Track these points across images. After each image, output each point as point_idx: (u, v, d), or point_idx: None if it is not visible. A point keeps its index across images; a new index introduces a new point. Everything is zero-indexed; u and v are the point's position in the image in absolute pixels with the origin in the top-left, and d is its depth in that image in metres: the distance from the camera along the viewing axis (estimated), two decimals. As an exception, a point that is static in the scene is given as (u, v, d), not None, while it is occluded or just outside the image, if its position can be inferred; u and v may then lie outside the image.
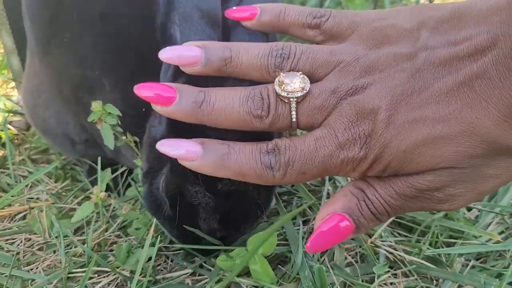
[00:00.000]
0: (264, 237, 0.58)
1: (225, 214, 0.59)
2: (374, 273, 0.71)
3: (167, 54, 0.49)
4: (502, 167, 0.42)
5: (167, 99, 0.47)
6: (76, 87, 0.74)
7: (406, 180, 0.44)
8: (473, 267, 0.73)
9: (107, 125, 0.67)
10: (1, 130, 1.03)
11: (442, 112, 0.40)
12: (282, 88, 0.45)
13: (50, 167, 0.80)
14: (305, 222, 0.79)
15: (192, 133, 0.51)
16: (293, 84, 0.45)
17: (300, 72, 0.47)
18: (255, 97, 0.46)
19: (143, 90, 0.49)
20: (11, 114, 1.09)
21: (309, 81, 0.46)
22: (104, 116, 0.66)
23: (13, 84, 1.21)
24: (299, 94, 0.45)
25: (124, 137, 0.69)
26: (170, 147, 0.48)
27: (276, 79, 0.46)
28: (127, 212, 0.77)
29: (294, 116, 0.46)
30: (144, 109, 0.64)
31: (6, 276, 0.69)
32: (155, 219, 0.65)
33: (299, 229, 0.76)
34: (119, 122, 0.68)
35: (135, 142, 0.70)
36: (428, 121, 0.41)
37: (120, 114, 0.66)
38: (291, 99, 0.45)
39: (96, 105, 0.66)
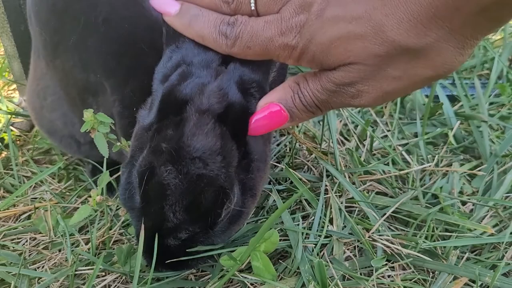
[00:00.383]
0: (263, 231, 0.60)
1: (192, 202, 0.57)
2: (372, 266, 0.73)
3: None
4: (402, 69, 0.47)
5: None
6: (81, 90, 0.77)
7: (327, 76, 0.51)
8: (468, 259, 0.75)
9: (100, 134, 0.68)
10: (4, 132, 1.05)
11: (359, 10, 0.45)
12: None
13: (53, 167, 0.81)
14: (304, 218, 0.81)
15: (177, 115, 0.55)
16: None
17: None
18: None
19: None
20: (13, 116, 1.10)
21: None
22: (96, 125, 0.68)
23: (14, 86, 1.22)
24: None
25: (119, 143, 0.70)
26: (158, 2, 0.57)
27: None
28: (124, 214, 0.79)
29: (252, 4, 0.52)
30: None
31: (14, 275, 0.71)
32: None
33: (298, 224, 0.78)
34: (118, 124, 0.70)
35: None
36: (347, 18, 0.46)
37: (112, 121, 0.68)
38: None
39: (87, 115, 0.67)
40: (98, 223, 0.81)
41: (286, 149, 1.00)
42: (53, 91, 0.85)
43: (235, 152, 0.58)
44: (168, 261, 0.61)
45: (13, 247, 0.79)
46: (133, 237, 0.76)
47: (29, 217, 0.87)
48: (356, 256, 0.76)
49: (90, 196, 0.87)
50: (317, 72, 0.53)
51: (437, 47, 0.45)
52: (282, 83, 0.57)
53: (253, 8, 0.53)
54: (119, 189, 0.65)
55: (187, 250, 0.61)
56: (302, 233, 0.73)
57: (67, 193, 0.93)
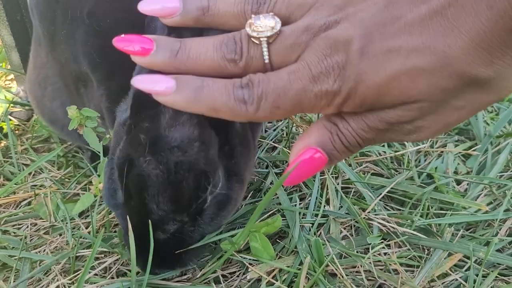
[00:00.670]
0: (259, 208, 0.61)
1: (175, 191, 0.56)
2: (368, 244, 0.74)
3: (147, 7, 0.49)
4: (468, 99, 0.42)
5: (144, 50, 0.47)
6: (75, 80, 0.78)
7: (377, 114, 0.44)
8: (462, 236, 0.76)
9: (89, 129, 0.69)
10: (3, 121, 1.05)
11: (416, 41, 0.40)
12: (252, 29, 0.45)
13: (52, 153, 0.82)
14: (301, 200, 0.83)
15: (152, 109, 0.54)
16: (263, 23, 0.44)
17: (272, 13, 0.46)
18: (228, 42, 0.46)
19: (121, 43, 0.50)
20: (12, 105, 1.11)
21: (280, 21, 0.45)
22: (83, 120, 0.68)
23: (11, 76, 1.23)
24: (269, 33, 0.44)
25: (108, 136, 0.70)
26: (144, 82, 0.48)
27: (247, 22, 0.46)
28: None
29: (266, 56, 0.45)
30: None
31: (15, 258, 0.72)
32: None
33: (296, 205, 0.79)
34: (107, 119, 0.70)
35: None
36: (402, 52, 0.40)
37: (99, 114, 0.68)
38: (262, 39, 0.44)
39: (72, 112, 0.68)
40: (98, 208, 0.82)
41: (283, 133, 1.01)
42: (53, 81, 0.86)
43: (214, 138, 0.57)
44: (160, 259, 0.60)
45: (14, 233, 0.80)
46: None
47: (29, 204, 0.88)
48: (352, 235, 0.77)
49: (90, 183, 0.89)
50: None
51: (504, 73, 0.41)
52: (313, 125, 0.50)
53: (266, 61, 0.45)
54: (103, 189, 0.64)
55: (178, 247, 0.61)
56: (300, 212, 0.74)
57: (67, 180, 0.94)
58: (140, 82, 0.48)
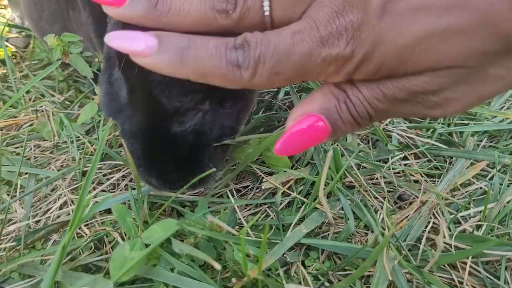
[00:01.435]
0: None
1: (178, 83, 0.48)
2: (386, 156, 0.71)
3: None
4: (509, 67, 0.36)
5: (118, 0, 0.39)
6: (66, 2, 0.73)
7: (398, 81, 0.37)
8: (485, 147, 0.73)
9: (75, 55, 0.64)
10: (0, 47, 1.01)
11: None
12: None
13: (50, 68, 0.77)
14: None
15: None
16: None
17: None
18: None
19: None
20: (7, 31, 1.06)
21: None
22: (66, 47, 0.63)
23: (4, 2, 1.17)
24: None
25: (97, 60, 0.65)
26: (121, 40, 0.39)
27: None
28: None
29: (266, 7, 0.37)
30: None
31: (22, 177, 0.70)
32: None
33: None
34: (97, 46, 0.65)
35: None
36: (434, 9, 0.33)
37: (80, 38, 0.63)
38: None
39: (51, 40, 0.62)
40: (103, 127, 0.78)
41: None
42: (49, 4, 0.81)
43: None
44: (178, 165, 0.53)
45: (18, 154, 0.77)
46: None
47: (31, 126, 0.85)
48: (370, 148, 0.74)
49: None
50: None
51: None
52: (318, 89, 0.42)
53: (267, 13, 0.37)
54: (101, 100, 0.57)
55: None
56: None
57: (68, 103, 0.90)
58: (114, 39, 0.39)
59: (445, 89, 0.36)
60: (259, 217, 0.63)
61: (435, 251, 0.56)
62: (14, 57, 1.06)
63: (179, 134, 0.51)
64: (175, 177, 0.54)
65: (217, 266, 0.45)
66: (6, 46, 1.02)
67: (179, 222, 0.52)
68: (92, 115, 0.71)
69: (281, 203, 0.64)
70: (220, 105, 0.54)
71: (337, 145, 0.72)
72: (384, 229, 0.60)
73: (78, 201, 0.49)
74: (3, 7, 1.21)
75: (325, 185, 0.63)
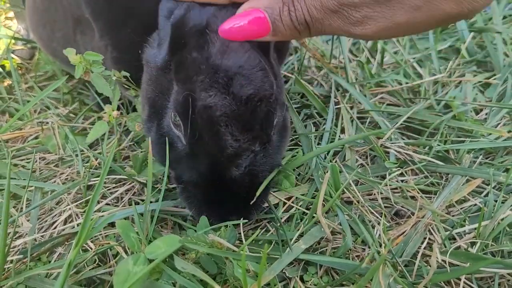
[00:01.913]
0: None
1: (249, 118, 0.53)
2: (384, 172, 0.72)
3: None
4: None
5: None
6: (75, 24, 0.75)
7: None
8: (481, 163, 0.74)
9: (97, 75, 0.65)
10: (5, 59, 1.02)
11: None
12: None
13: (57, 83, 0.78)
14: (316, 128, 0.81)
15: (197, 41, 0.52)
16: None
17: None
18: None
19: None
20: (13, 43, 1.07)
21: None
22: (89, 66, 0.65)
23: (11, 14, 1.19)
24: None
25: (114, 77, 0.67)
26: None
27: None
28: (140, 129, 0.78)
29: None
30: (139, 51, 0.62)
31: (28, 190, 0.71)
32: None
33: (311, 137, 0.77)
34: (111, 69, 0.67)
35: (124, 77, 0.68)
36: None
37: (102, 57, 0.65)
38: None
39: (74, 58, 0.64)
40: (107, 140, 0.80)
41: (294, 67, 0.98)
42: (61, 26, 0.82)
43: (267, 63, 0.55)
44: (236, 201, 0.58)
45: (23, 166, 0.79)
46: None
47: (36, 139, 0.86)
48: (368, 164, 0.76)
49: (99, 118, 0.86)
50: None
51: None
52: None
53: None
54: (152, 147, 0.60)
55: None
56: (315, 140, 0.72)
57: (72, 115, 0.92)
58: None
59: (365, 6, 0.43)
60: (259, 232, 0.65)
61: (430, 267, 0.58)
62: (19, 68, 1.08)
63: (237, 178, 0.56)
64: (236, 219, 0.59)
65: (217, 287, 0.47)
66: (12, 58, 1.04)
67: (182, 240, 0.53)
68: (101, 134, 0.72)
69: (281, 218, 0.66)
70: (268, 143, 0.58)
71: (336, 161, 0.73)
72: (381, 245, 0.61)
73: (84, 218, 0.50)
74: (9, 19, 1.22)
75: (324, 202, 0.65)
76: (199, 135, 0.54)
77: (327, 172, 0.70)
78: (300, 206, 0.67)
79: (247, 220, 0.59)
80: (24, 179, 0.74)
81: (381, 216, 0.66)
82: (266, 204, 0.63)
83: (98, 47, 0.70)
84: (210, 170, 0.55)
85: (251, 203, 0.58)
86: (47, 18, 0.84)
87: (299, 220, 0.66)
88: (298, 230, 0.62)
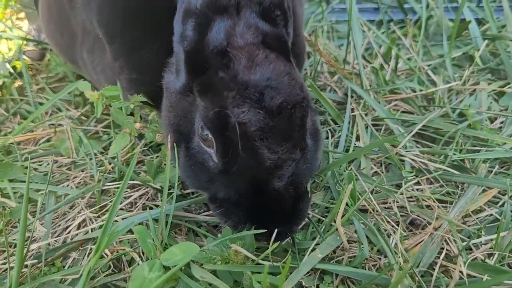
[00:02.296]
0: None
1: (283, 130, 0.52)
2: (399, 181, 0.72)
3: None
4: None
5: None
6: (80, 44, 0.75)
7: None
8: (496, 173, 0.74)
9: (116, 110, 0.64)
10: (17, 60, 1.02)
11: None
12: None
13: (71, 86, 0.77)
14: (331, 135, 0.80)
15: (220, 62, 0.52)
16: None
17: None
18: None
19: None
20: (24, 44, 1.07)
21: None
22: (108, 101, 0.64)
23: (22, 14, 1.18)
24: None
25: (132, 106, 0.66)
26: None
27: None
28: (161, 139, 0.76)
29: None
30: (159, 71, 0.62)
31: (41, 193, 0.71)
32: None
33: (327, 144, 0.77)
34: (126, 92, 0.67)
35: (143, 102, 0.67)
36: None
37: (120, 91, 0.65)
38: None
39: (91, 95, 0.64)
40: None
41: (306, 73, 0.97)
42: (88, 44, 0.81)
43: (294, 69, 0.55)
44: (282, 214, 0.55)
45: (36, 169, 0.79)
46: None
47: (48, 141, 0.86)
48: (383, 172, 0.75)
49: (117, 127, 0.85)
50: None
51: None
52: None
53: None
54: (181, 171, 0.59)
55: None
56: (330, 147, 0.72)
57: (84, 118, 0.92)
58: None
59: None
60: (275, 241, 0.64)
61: (448, 278, 0.58)
62: (30, 69, 1.07)
63: (281, 190, 0.54)
64: (284, 232, 0.56)
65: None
66: (23, 59, 1.03)
67: (201, 251, 0.53)
68: (124, 146, 0.71)
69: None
70: (306, 149, 0.56)
71: (351, 169, 0.73)
72: (397, 253, 0.61)
73: (104, 225, 0.50)
74: (20, 20, 1.22)
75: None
76: (234, 151, 0.52)
77: (343, 179, 0.70)
78: (316, 213, 0.67)
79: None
80: (36, 182, 0.74)
81: (397, 225, 0.66)
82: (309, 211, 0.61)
83: (111, 67, 0.70)
84: (251, 185, 0.54)
85: (298, 213, 0.56)
86: (64, 28, 0.82)
87: (314, 229, 0.65)
88: (315, 239, 0.62)
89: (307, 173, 0.57)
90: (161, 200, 0.62)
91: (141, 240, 0.58)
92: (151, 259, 0.56)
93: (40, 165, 0.81)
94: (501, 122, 0.84)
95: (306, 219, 0.61)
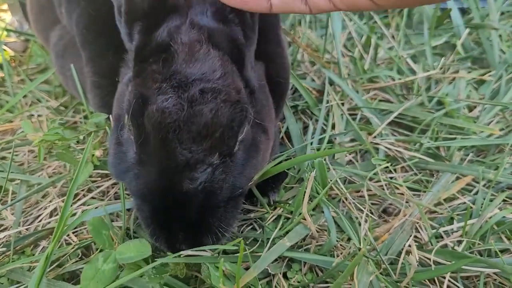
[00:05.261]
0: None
1: (202, 125, 0.47)
2: (374, 170, 0.71)
3: None
4: None
5: None
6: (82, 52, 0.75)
7: None
8: (471, 161, 0.73)
9: (60, 153, 0.68)
10: (-3, 51, 1.02)
11: None
12: None
13: (46, 74, 0.77)
14: (305, 127, 0.80)
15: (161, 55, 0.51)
16: None
17: None
18: None
19: None
20: (6, 35, 1.07)
21: None
22: (50, 145, 0.68)
23: (5, 6, 1.18)
24: None
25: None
26: None
27: None
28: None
29: None
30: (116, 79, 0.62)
31: (15, 183, 0.71)
32: None
33: (300, 129, 0.76)
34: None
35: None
36: None
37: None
38: None
39: (34, 137, 0.68)
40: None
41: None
42: (72, 52, 0.80)
43: (236, 72, 0.52)
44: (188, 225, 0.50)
45: (13, 159, 0.78)
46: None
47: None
48: (358, 161, 0.75)
49: (91, 112, 0.84)
50: None
51: None
52: None
53: None
54: (108, 160, 0.57)
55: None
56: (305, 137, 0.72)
57: (63, 108, 0.91)
58: None
59: None
60: (245, 229, 0.64)
61: (419, 266, 0.58)
62: (12, 61, 1.07)
63: (190, 193, 0.49)
64: (184, 242, 0.52)
65: None
66: (4, 50, 1.03)
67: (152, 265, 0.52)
68: (87, 177, 0.70)
69: (269, 218, 0.65)
70: (230, 157, 0.52)
71: (324, 159, 0.72)
72: (366, 241, 0.60)
73: (61, 212, 0.50)
74: (3, 12, 1.22)
75: (310, 199, 0.64)
76: (146, 140, 0.49)
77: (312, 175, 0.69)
78: (288, 206, 0.66)
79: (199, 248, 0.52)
80: (12, 172, 0.74)
81: (371, 214, 0.65)
82: (232, 231, 0.54)
83: (85, 71, 0.72)
84: (161, 182, 0.49)
85: (204, 227, 0.51)
86: (58, 37, 0.83)
87: (286, 220, 0.65)
88: (285, 228, 0.61)
89: (226, 187, 0.51)
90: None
91: (95, 232, 0.56)
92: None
93: (17, 155, 0.81)
94: (480, 111, 0.84)
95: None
